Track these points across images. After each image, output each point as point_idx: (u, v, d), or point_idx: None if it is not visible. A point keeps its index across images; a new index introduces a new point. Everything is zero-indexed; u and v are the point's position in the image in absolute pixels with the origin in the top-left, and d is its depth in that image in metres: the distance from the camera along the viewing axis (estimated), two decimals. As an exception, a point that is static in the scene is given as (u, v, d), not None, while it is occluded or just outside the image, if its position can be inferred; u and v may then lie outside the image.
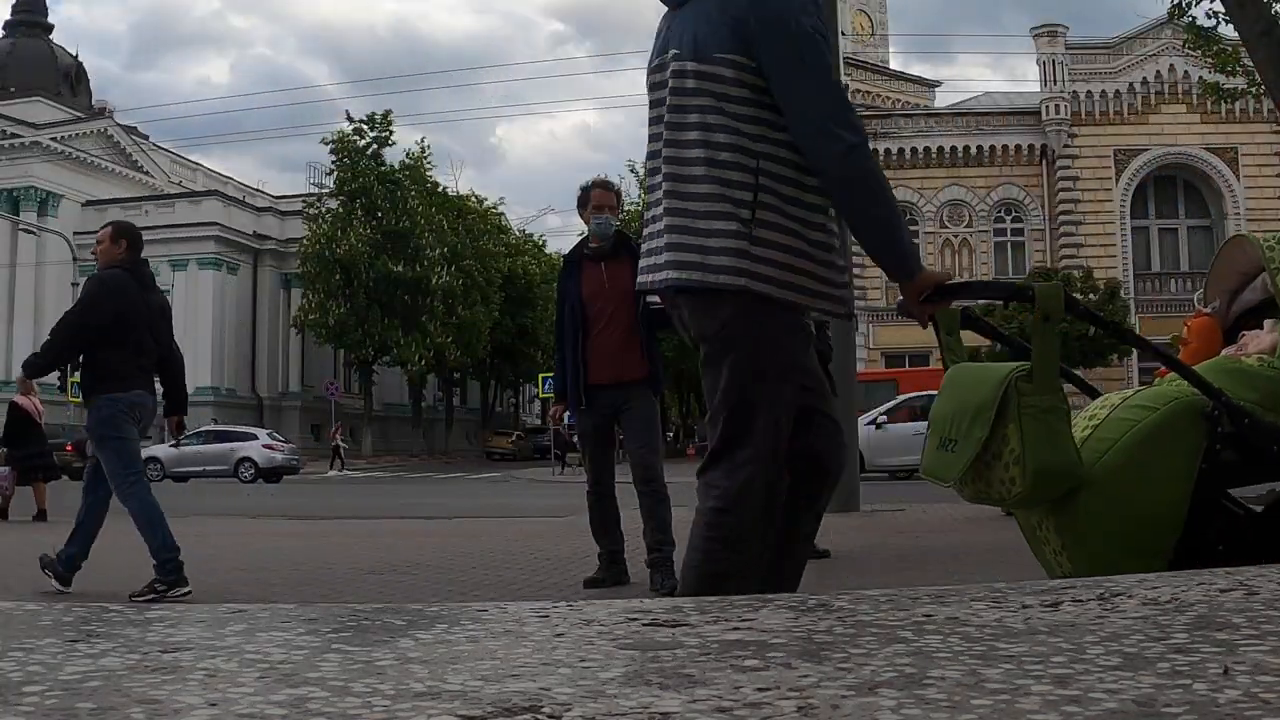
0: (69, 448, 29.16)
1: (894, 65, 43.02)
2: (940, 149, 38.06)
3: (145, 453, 30.69)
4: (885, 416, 20.42)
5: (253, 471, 27.38)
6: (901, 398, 21.39)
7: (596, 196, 5.30)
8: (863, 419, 15.43)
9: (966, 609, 1.85)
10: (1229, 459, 2.99)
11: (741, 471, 2.44)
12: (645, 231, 2.56)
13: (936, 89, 43.54)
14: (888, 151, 38.03)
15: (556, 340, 5.47)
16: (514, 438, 51.28)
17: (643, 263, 2.56)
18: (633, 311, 5.09)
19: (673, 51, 2.41)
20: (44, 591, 5.10)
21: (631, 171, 56.06)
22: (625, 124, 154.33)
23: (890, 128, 38.39)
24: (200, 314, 44.19)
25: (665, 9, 2.55)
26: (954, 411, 3.02)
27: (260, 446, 28.34)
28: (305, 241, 43.40)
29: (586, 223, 5.35)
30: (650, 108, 2.47)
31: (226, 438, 29.16)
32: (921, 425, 23.22)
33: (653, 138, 2.49)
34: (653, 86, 2.49)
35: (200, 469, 27.32)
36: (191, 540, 8.08)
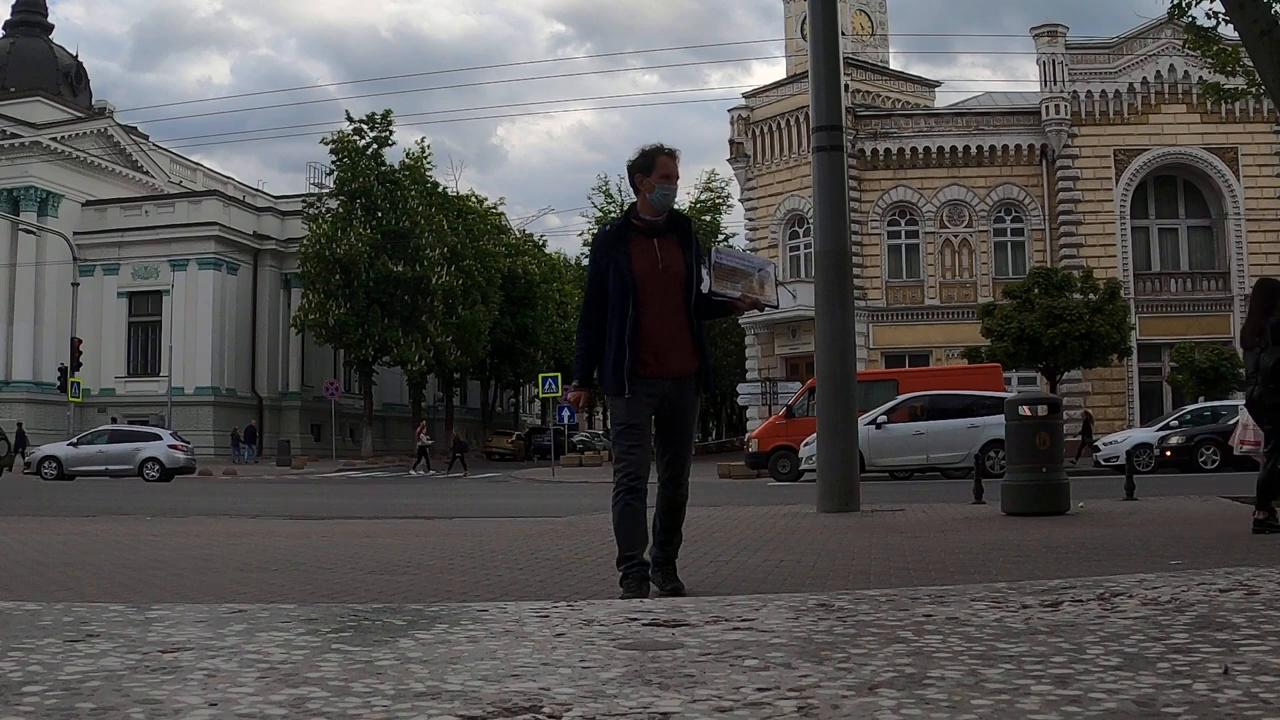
0: None
1: (894, 65, 42.84)
2: (940, 149, 38.04)
3: (42, 451, 30.75)
4: (885, 416, 20.43)
5: (158, 471, 27.06)
6: (901, 398, 21.38)
7: (664, 164, 4.72)
8: (863, 419, 15.39)
9: (966, 609, 1.85)
10: None
11: None
12: None
13: (936, 89, 43.43)
14: (888, 151, 38.04)
15: (591, 314, 4.80)
16: (514, 438, 51.30)
17: None
18: (685, 295, 4.69)
19: None
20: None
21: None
22: (622, 124, 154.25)
23: (890, 128, 38.36)
24: (200, 314, 44.20)
25: None
26: None
27: (166, 447, 27.94)
28: (305, 241, 43.39)
29: (642, 191, 4.77)
30: None
31: (130, 437, 28.83)
32: (921, 425, 23.10)
33: None
34: None
35: (102, 468, 27.04)
36: (191, 540, 8.09)
